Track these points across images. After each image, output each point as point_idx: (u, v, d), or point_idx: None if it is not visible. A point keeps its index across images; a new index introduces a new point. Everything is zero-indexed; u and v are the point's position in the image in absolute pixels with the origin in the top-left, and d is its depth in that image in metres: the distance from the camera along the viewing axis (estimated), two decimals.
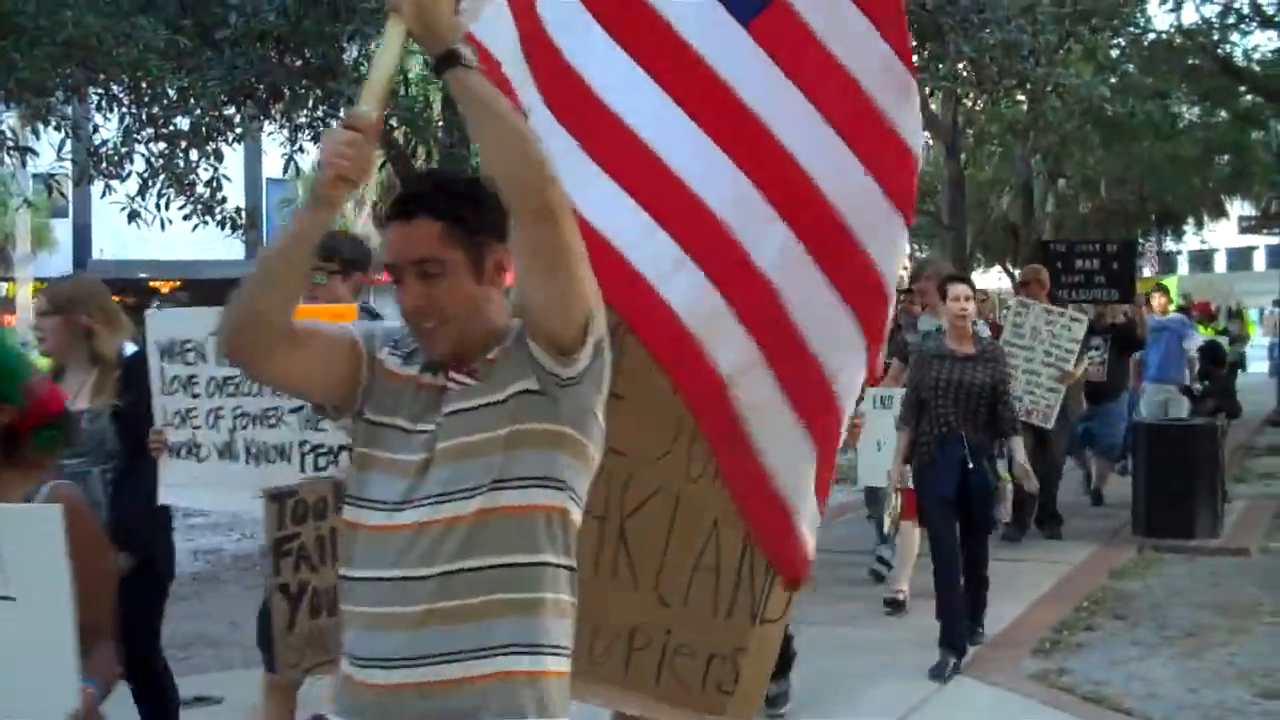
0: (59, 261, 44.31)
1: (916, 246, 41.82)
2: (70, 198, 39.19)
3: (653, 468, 4.15)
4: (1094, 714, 6.84)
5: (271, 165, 36.53)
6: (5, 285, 44.29)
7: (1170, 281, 24.42)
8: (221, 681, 7.27)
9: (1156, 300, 16.17)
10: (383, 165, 15.73)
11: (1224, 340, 20.30)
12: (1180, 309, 17.00)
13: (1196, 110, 30.58)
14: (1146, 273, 40.23)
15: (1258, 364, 33.50)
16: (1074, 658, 7.88)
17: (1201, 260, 60.72)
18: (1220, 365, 17.05)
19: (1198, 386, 16.23)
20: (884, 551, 9.94)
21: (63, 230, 43.90)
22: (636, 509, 4.14)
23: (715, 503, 4.12)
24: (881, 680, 7.49)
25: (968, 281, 8.41)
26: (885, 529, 9.89)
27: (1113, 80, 21.17)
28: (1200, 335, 15.95)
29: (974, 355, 8.01)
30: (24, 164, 10.27)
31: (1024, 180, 26.12)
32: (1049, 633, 8.47)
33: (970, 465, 7.78)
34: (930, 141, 27.32)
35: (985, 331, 9.00)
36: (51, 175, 10.50)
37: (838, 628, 8.51)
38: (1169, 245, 45.91)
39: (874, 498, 10.10)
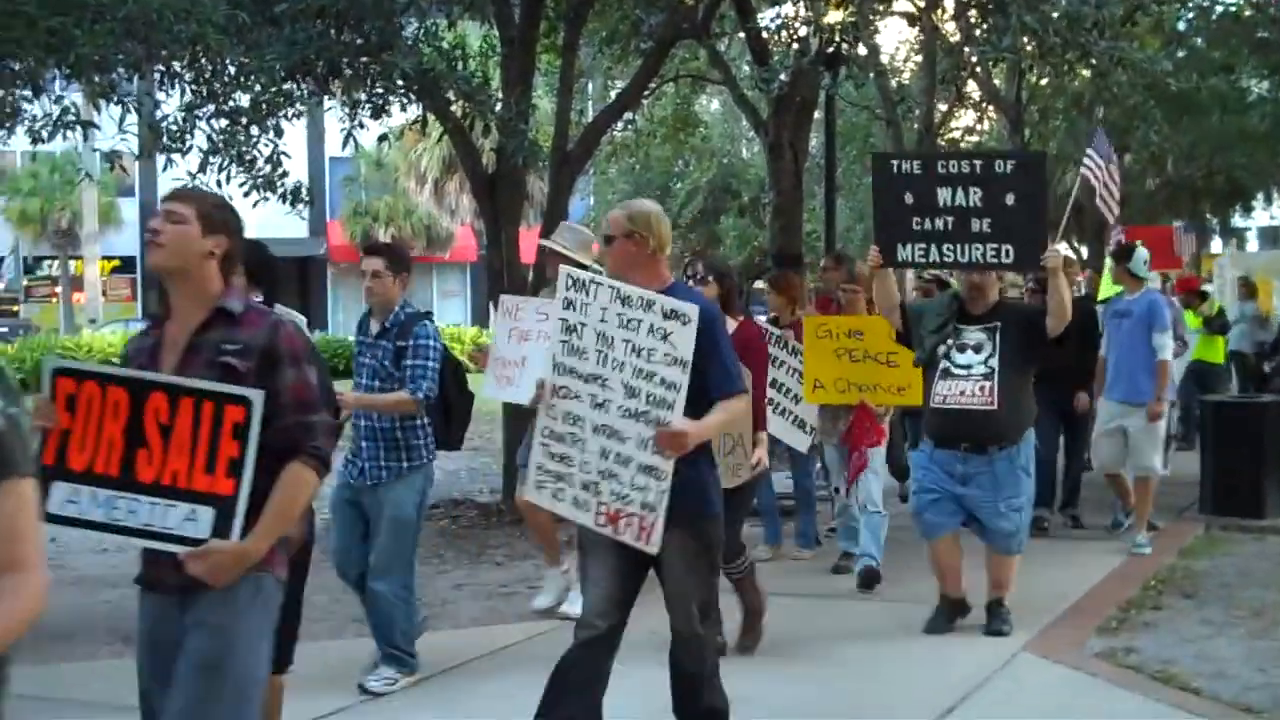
0: (126, 240, 44.80)
1: None
2: (137, 177, 39.66)
3: None
4: (1161, 693, 6.72)
5: (332, 144, 36.77)
6: (73, 263, 44.79)
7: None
8: None
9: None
10: (440, 138, 15.74)
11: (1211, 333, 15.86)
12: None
13: (1265, 84, 30.12)
14: (1215, 247, 39.70)
15: None
16: (1141, 636, 7.75)
17: (1271, 236, 59.90)
18: None
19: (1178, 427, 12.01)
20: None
21: (129, 209, 44.32)
22: None
23: None
24: (946, 657, 7.40)
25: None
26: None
27: (1180, 54, 20.86)
28: (1186, 326, 11.89)
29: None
30: (85, 138, 10.32)
31: None
32: (1115, 611, 8.35)
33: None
34: (994, 116, 27.07)
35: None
36: (114, 152, 10.55)
37: (899, 604, 8.45)
38: (1237, 221, 45.30)
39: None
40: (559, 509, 5.50)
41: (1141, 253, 10.69)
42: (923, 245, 7.68)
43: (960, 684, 6.85)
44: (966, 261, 7.68)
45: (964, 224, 7.57)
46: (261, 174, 10.98)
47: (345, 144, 11.60)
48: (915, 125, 23.39)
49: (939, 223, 7.62)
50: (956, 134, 29.56)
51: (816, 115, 16.91)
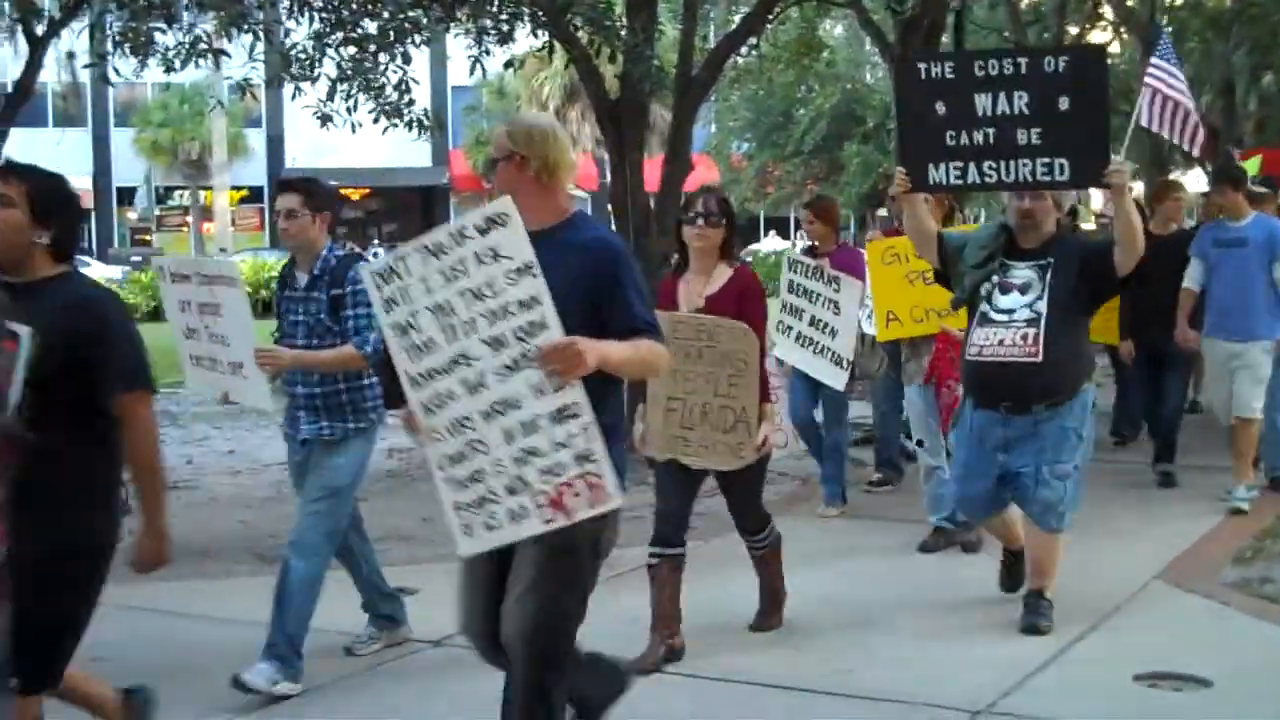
0: (254, 170, 45.53)
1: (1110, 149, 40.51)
2: (264, 107, 40.21)
3: None
4: None
5: (455, 74, 36.90)
6: (203, 193, 45.62)
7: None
8: (414, 574, 7.40)
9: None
10: (567, 64, 15.72)
11: None
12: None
13: None
14: None
15: None
16: (1277, 566, 7.60)
17: None
18: None
19: None
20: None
21: (257, 139, 44.99)
22: None
23: None
24: (1076, 584, 7.32)
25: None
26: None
27: None
28: None
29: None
30: (217, 66, 10.50)
31: (1225, 79, 25.05)
32: (1250, 541, 8.20)
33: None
34: (1126, 38, 26.41)
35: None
36: (246, 80, 10.69)
37: None
38: None
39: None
40: (502, 538, 4.14)
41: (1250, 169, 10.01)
42: (958, 164, 6.43)
43: (1090, 611, 6.76)
44: (1012, 180, 6.40)
45: (1008, 136, 6.32)
46: (389, 102, 11.06)
47: (472, 71, 11.62)
48: None
49: (978, 136, 6.38)
50: None
51: (944, 39, 16.64)
